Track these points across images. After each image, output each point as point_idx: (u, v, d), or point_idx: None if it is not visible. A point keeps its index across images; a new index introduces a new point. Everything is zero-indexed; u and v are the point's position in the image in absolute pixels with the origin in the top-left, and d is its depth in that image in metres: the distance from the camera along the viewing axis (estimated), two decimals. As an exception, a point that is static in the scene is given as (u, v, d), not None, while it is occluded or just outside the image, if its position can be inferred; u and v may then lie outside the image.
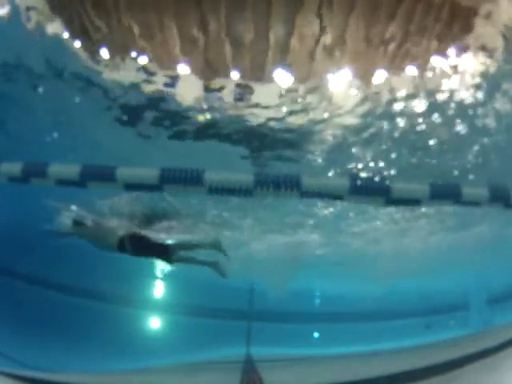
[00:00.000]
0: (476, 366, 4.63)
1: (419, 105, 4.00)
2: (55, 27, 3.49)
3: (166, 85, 3.85)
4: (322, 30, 3.30)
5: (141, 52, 3.64)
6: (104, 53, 3.69)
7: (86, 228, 4.43)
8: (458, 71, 3.74)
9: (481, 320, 8.99)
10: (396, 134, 4.28)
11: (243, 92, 3.84)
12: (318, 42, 3.39)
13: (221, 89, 3.81)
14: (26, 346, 5.63)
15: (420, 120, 4.18)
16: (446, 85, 3.83)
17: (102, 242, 4.38)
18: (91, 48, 3.67)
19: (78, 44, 3.67)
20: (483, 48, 3.58)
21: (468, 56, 3.64)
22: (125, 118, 4.26)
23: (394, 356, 6.11)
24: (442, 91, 3.88)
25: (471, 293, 9.79)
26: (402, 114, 4.08)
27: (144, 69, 3.74)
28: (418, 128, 4.26)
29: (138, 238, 4.32)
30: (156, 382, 5.47)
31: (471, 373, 4.54)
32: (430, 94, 3.89)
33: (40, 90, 4.15)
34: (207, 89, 3.83)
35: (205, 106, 4.03)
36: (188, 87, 3.83)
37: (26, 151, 4.43)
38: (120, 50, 3.66)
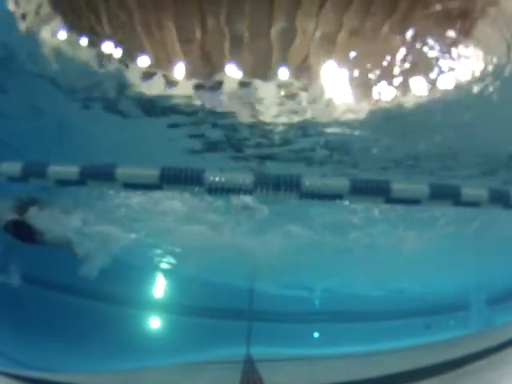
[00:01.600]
0: (476, 365, 4.63)
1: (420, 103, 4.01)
2: (55, 28, 3.50)
3: (166, 84, 3.85)
4: (321, 26, 3.31)
5: (141, 51, 3.64)
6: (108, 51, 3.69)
7: None
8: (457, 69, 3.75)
9: (481, 320, 8.98)
10: (395, 133, 4.29)
11: (244, 89, 3.84)
12: (317, 38, 3.39)
13: (220, 86, 3.81)
14: (26, 346, 5.63)
15: (421, 118, 4.18)
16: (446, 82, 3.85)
17: None
18: (96, 47, 3.67)
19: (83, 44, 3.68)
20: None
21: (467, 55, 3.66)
22: (126, 115, 4.27)
23: (394, 356, 6.10)
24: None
25: (471, 293, 9.77)
26: (402, 112, 4.09)
27: (144, 68, 3.74)
28: (420, 124, 4.27)
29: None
30: (156, 382, 5.46)
31: (471, 373, 4.54)
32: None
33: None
34: (207, 86, 3.83)
35: (204, 103, 4.03)
36: (187, 85, 3.83)
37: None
38: (123, 49, 3.66)
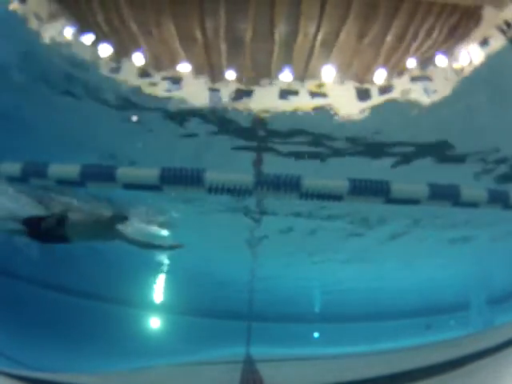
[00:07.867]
0: (476, 365, 4.63)
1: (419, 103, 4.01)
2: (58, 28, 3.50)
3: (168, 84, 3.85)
4: (322, 27, 3.31)
5: (140, 51, 3.64)
6: (105, 52, 3.69)
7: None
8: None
9: (481, 320, 8.97)
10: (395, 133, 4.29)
11: (244, 91, 3.84)
12: (317, 39, 3.40)
13: (222, 88, 3.81)
14: (26, 346, 5.63)
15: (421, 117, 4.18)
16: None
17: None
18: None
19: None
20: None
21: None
22: (131, 118, 4.26)
23: (394, 356, 6.10)
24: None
25: (471, 293, 9.76)
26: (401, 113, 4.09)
27: (144, 69, 3.73)
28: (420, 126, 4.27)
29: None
30: (156, 381, 5.46)
31: (471, 373, 4.54)
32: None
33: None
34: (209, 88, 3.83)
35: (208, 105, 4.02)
36: (188, 87, 3.83)
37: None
38: (121, 50, 3.66)
